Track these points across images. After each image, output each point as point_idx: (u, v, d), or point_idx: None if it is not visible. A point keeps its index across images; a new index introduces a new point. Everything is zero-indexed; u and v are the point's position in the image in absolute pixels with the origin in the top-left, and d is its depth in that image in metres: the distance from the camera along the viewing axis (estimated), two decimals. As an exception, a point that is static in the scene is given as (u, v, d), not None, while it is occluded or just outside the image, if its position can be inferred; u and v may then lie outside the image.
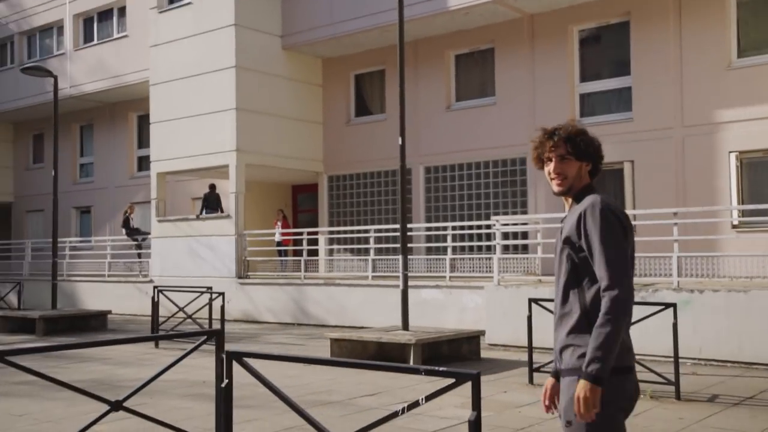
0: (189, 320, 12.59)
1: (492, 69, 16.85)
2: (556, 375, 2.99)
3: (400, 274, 10.53)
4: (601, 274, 2.65)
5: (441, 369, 3.07)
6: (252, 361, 3.71)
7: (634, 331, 3.09)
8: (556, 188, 2.93)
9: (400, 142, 10.86)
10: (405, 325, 10.46)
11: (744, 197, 13.57)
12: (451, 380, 2.99)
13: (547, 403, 3.04)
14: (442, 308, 13.72)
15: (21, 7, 24.93)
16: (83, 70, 22.74)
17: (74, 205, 25.09)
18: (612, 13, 15.18)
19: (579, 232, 2.75)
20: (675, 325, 7.98)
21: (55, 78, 15.91)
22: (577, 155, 2.89)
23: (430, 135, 17.54)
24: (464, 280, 14.09)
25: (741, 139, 13.52)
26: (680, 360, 8.03)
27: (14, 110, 25.06)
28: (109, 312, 16.05)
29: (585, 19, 15.52)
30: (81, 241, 22.51)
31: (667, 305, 8.13)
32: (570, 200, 2.93)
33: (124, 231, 20.11)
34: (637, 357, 3.55)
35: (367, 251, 16.18)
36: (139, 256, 19.97)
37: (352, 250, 18.24)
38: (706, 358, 9.85)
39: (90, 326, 15.41)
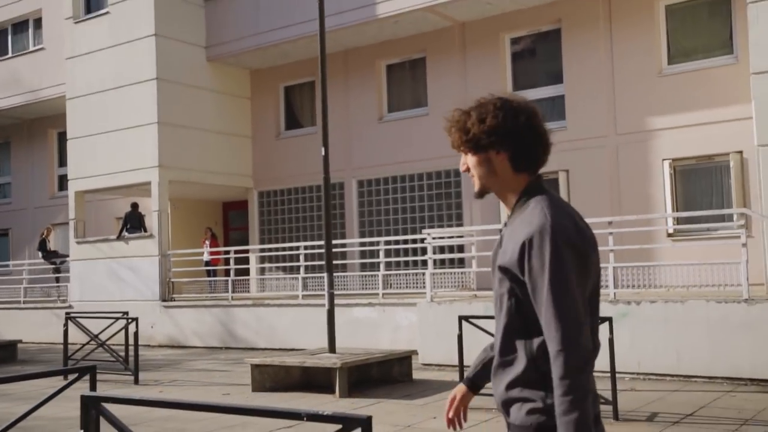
0: (105, 348, 11.67)
1: (424, 78, 16.42)
2: (471, 383, 2.49)
3: (326, 293, 9.89)
4: (549, 333, 2.00)
5: (326, 414, 2.56)
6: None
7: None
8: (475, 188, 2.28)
9: (323, 153, 10.28)
10: (332, 348, 9.81)
11: (678, 205, 13.37)
12: (338, 426, 2.46)
13: (450, 415, 2.49)
14: (376, 327, 13.12)
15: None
16: (-4, 85, 21.54)
17: (-9, 228, 23.71)
18: (543, 20, 14.93)
19: (522, 266, 2.06)
20: (611, 340, 7.54)
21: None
22: (473, 146, 2.18)
23: (363, 147, 17.00)
24: (398, 297, 13.54)
25: (674, 146, 13.34)
26: (618, 375, 7.60)
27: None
28: (19, 341, 14.95)
29: (516, 27, 15.24)
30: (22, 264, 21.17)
31: (603, 319, 7.69)
32: (510, 202, 2.20)
33: (40, 254, 18.96)
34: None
35: (298, 269, 15.49)
36: (57, 280, 18.84)
37: (284, 269, 17.52)
38: (645, 372, 9.47)
39: (-1, 358, 14.29)
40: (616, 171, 13.87)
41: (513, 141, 2.13)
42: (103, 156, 17.27)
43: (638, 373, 9.47)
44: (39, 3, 20.69)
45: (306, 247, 15.78)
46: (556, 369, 1.98)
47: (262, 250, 17.81)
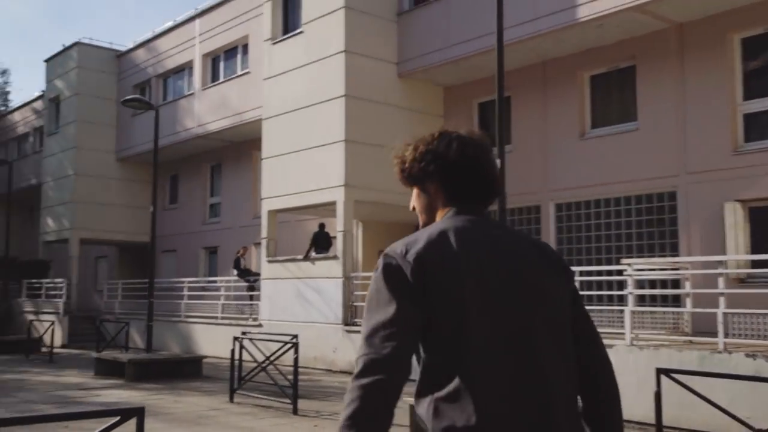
0: (269, 371, 11.16)
1: (633, 89, 14.49)
2: None
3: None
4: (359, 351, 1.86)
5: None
6: None
7: None
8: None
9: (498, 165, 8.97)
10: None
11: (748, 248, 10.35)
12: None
13: None
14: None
15: (157, 51, 25.41)
16: (208, 109, 22.59)
17: (203, 245, 24.91)
18: (782, 14, 12.50)
19: None
20: None
21: (156, 111, 15.49)
22: (407, 176, 2.12)
23: (562, 167, 15.37)
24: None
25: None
26: None
27: (150, 152, 25.35)
28: (204, 357, 15.03)
29: (749, 24, 12.92)
30: (208, 282, 21.99)
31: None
32: None
33: (234, 272, 19.31)
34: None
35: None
36: (251, 298, 19.05)
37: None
38: None
39: (183, 372, 14.41)
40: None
41: (443, 170, 2.03)
42: (294, 175, 17.17)
43: None
44: (248, 29, 21.38)
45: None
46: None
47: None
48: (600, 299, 12.71)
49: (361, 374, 1.77)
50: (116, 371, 14.17)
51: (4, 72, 67.80)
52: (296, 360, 10.04)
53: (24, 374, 15.09)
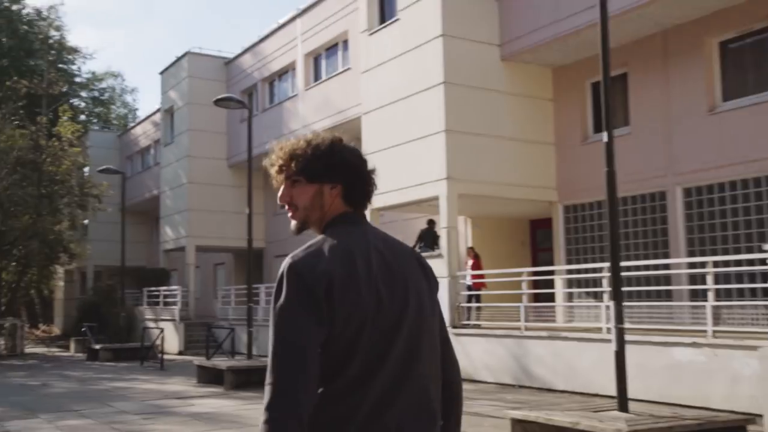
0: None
1: (771, 53, 12.69)
2: None
3: (612, 328, 7.27)
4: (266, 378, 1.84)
5: None
6: None
7: None
8: (291, 225, 2.12)
9: (605, 168, 7.74)
10: (622, 404, 7.14)
11: None
12: None
13: None
14: (704, 375, 9.96)
15: (262, 55, 25.33)
16: (312, 109, 22.19)
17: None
18: None
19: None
20: None
21: (249, 110, 15.03)
22: (308, 177, 2.05)
23: (689, 147, 13.71)
24: (735, 336, 10.16)
25: None
26: None
27: (259, 157, 25.29)
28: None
29: None
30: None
31: None
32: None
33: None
34: None
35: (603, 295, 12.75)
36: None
37: (594, 295, 14.81)
38: None
39: (285, 379, 13.85)
40: None
41: (348, 172, 2.08)
42: (394, 171, 16.31)
43: None
44: (347, 24, 20.79)
45: (625, 269, 12.95)
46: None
47: (549, 273, 15.27)
48: (740, 293, 11.05)
49: (275, 406, 1.77)
50: (218, 379, 13.82)
51: (133, 90, 71.32)
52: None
53: (132, 382, 15.06)
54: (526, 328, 13.23)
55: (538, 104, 16.16)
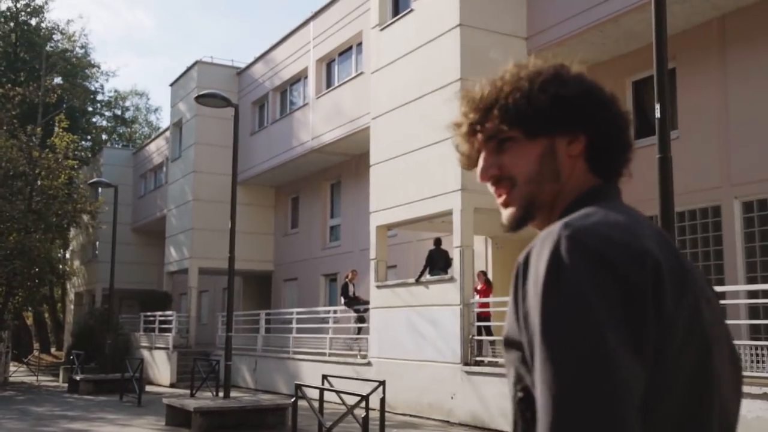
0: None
1: None
2: None
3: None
4: (540, 425, 0.97)
5: None
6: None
7: None
8: (503, 215, 1.28)
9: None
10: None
11: None
12: None
13: None
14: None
15: (274, 62, 23.60)
16: (322, 119, 20.35)
17: (323, 273, 22.55)
18: None
19: (518, 317, 1.06)
20: None
21: (236, 108, 13.15)
22: (529, 127, 1.19)
23: (749, 154, 11.51)
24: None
25: None
26: None
27: (269, 171, 23.51)
28: (291, 405, 12.31)
29: None
30: (309, 312, 19.47)
31: None
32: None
33: (342, 300, 16.64)
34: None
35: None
36: (359, 331, 16.23)
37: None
38: None
39: (266, 423, 11.79)
40: None
41: (596, 119, 1.21)
42: (403, 183, 14.32)
43: None
44: (361, 24, 18.96)
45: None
46: None
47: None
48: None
49: None
50: (188, 421, 11.76)
51: (156, 110, 70.71)
52: (382, 404, 7.06)
53: (92, 423, 12.98)
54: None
55: (569, 107, 14.05)
